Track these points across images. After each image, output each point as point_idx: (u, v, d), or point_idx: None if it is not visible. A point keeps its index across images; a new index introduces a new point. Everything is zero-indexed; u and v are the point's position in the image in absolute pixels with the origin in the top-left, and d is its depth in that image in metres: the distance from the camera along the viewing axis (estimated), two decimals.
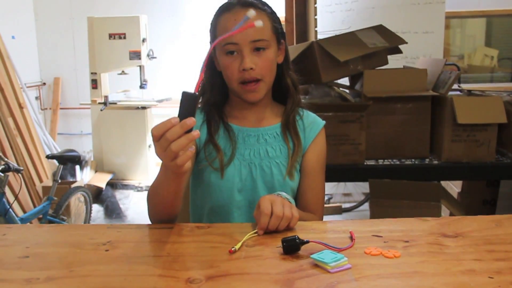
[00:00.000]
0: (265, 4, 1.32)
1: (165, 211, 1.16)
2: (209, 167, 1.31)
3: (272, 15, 1.31)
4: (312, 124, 1.40)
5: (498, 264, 0.91)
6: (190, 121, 0.90)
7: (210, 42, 1.34)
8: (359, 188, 4.53)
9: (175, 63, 5.69)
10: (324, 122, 1.42)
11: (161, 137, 0.91)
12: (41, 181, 4.20)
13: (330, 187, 4.37)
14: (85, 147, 5.59)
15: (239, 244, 0.99)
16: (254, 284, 0.84)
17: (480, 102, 2.23)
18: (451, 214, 2.79)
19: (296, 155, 1.34)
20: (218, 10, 1.31)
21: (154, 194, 1.15)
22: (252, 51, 1.25)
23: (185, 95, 0.90)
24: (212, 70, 1.36)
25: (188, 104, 0.91)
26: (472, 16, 5.07)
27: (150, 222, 1.20)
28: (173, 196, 1.11)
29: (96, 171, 5.10)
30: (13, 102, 4.12)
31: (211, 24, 1.32)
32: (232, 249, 0.97)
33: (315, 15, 3.68)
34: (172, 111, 5.05)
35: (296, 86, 1.39)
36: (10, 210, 2.94)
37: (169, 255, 0.96)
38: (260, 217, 1.06)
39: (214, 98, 1.37)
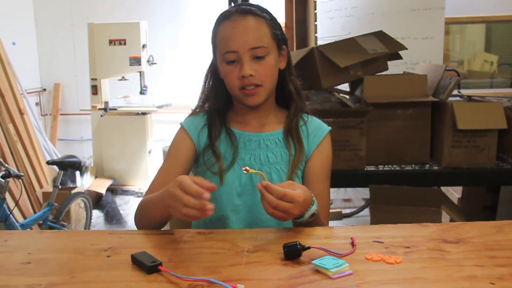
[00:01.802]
0: (264, 11, 1.32)
1: (153, 225, 1.20)
2: (208, 172, 1.32)
3: (271, 21, 1.31)
4: (316, 130, 1.39)
5: (500, 270, 0.91)
6: (210, 206, 0.97)
7: (212, 51, 1.35)
8: (359, 194, 4.53)
9: (175, 69, 5.70)
10: (329, 128, 1.41)
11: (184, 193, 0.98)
12: (41, 187, 4.20)
13: (330, 193, 4.36)
14: (85, 153, 5.60)
15: (253, 170, 1.07)
16: None
17: (480, 107, 2.23)
18: (451, 220, 2.78)
19: (297, 161, 1.33)
20: (217, 18, 1.32)
21: (147, 209, 1.20)
22: (252, 58, 1.26)
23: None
24: (215, 78, 1.37)
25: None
26: (472, 21, 5.08)
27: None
28: (164, 219, 1.18)
29: (96, 177, 5.10)
30: (14, 108, 4.12)
31: (212, 32, 1.33)
32: (245, 170, 1.04)
33: (315, 21, 3.69)
34: (172, 117, 5.07)
35: (299, 92, 1.39)
36: (11, 216, 2.93)
37: (170, 261, 0.96)
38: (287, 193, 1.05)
39: (217, 104, 1.38)
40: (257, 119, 1.37)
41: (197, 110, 1.41)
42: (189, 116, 1.41)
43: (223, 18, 1.30)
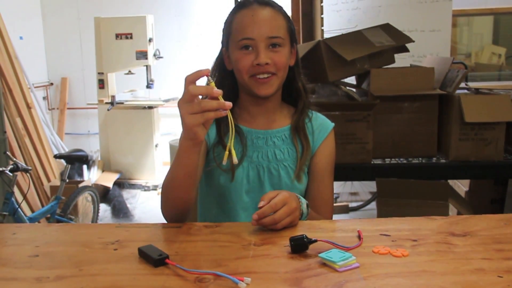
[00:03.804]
0: (281, 7, 1.33)
1: (181, 197, 1.15)
2: (218, 169, 1.31)
3: (287, 16, 1.33)
4: (321, 126, 1.40)
5: (508, 263, 0.90)
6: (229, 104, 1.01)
7: (222, 42, 1.35)
8: (366, 187, 4.52)
9: (181, 63, 5.70)
10: (333, 124, 1.42)
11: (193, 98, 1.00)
12: (49, 180, 4.23)
13: (337, 186, 4.37)
14: (92, 147, 5.62)
15: (226, 157, 1.05)
16: (262, 283, 0.84)
17: (488, 100, 2.22)
18: (458, 213, 2.78)
19: (304, 158, 1.33)
20: (234, 7, 1.32)
21: (170, 179, 1.14)
22: (267, 47, 1.26)
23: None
24: (222, 70, 1.36)
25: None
26: (480, 14, 5.03)
27: (157, 222, 1.20)
28: (188, 175, 1.12)
29: (103, 171, 5.12)
30: (21, 102, 4.15)
31: (226, 21, 1.33)
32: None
33: (322, 14, 3.68)
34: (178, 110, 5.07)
35: (306, 89, 1.40)
36: (19, 209, 2.95)
37: (177, 254, 0.96)
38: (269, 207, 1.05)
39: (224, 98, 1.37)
40: (263, 115, 1.37)
41: None
42: None
43: (241, 6, 1.30)
